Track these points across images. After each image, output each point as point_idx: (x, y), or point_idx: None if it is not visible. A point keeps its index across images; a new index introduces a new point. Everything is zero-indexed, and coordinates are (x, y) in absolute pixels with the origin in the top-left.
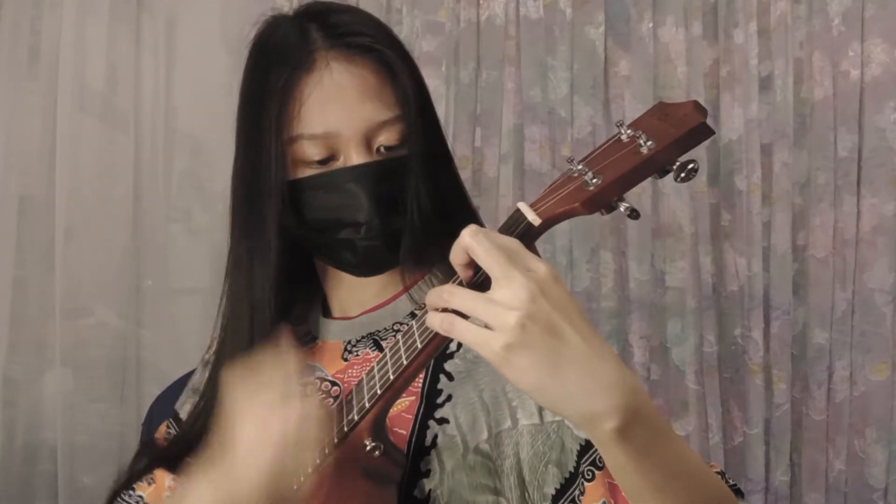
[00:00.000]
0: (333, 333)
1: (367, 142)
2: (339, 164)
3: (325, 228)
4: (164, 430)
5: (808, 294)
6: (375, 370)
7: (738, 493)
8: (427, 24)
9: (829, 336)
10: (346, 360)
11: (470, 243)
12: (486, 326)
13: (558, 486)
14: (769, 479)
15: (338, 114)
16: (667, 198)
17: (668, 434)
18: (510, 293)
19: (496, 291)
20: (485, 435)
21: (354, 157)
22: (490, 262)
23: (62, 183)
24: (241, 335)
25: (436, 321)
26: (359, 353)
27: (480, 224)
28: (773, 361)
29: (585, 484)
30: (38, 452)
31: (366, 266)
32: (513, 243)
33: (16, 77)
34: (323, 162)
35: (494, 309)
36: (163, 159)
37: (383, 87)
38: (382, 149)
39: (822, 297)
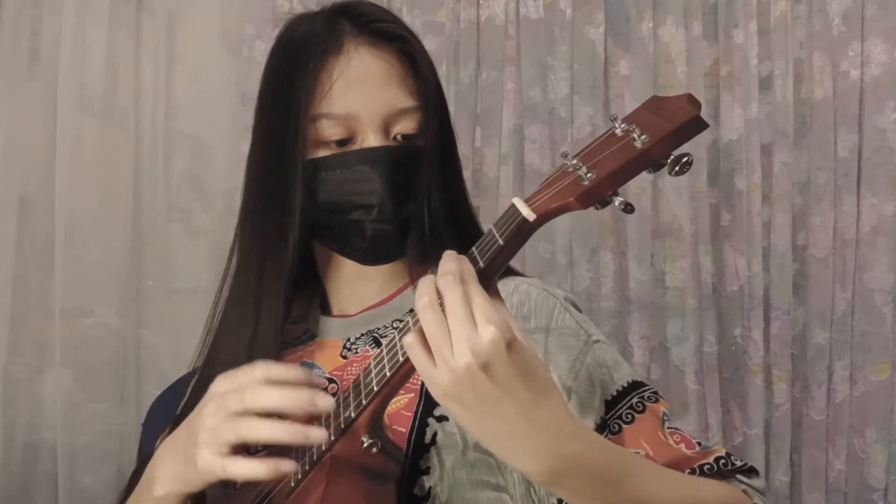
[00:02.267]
0: (332, 331)
1: (386, 127)
2: (356, 146)
3: (336, 210)
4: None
5: (808, 294)
6: (372, 367)
7: (751, 471)
8: (427, 24)
9: (829, 336)
10: (344, 357)
11: (421, 315)
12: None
13: None
14: (769, 479)
15: (361, 96)
16: (667, 198)
17: (624, 481)
18: (453, 363)
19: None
20: None
21: (372, 140)
22: (432, 338)
23: (62, 183)
24: (244, 325)
25: (407, 339)
26: (358, 350)
27: (478, 226)
28: (773, 361)
29: None
30: (38, 452)
31: (373, 251)
32: (475, 297)
33: (16, 77)
34: (340, 143)
35: (442, 353)
36: (163, 159)
37: (406, 76)
38: (399, 136)
39: (822, 297)
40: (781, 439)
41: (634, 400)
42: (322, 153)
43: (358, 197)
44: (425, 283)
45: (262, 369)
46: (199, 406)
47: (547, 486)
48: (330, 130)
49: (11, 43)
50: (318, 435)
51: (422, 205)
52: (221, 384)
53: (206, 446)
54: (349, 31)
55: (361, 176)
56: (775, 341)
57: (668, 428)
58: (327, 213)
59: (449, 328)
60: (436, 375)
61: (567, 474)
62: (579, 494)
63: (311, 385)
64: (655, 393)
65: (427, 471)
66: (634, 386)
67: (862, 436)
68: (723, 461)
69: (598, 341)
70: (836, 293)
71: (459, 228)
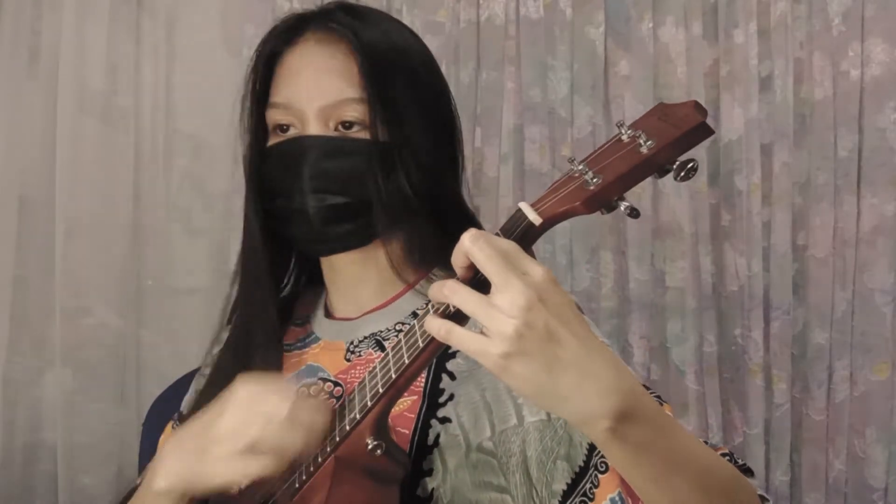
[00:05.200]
0: (336, 334)
1: (324, 117)
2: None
3: (273, 197)
4: (169, 432)
5: (808, 294)
6: (377, 369)
7: (748, 471)
8: (427, 24)
9: (829, 336)
10: (348, 360)
11: (470, 248)
12: (483, 332)
13: (569, 482)
14: (769, 479)
15: (300, 85)
16: (667, 198)
17: (667, 429)
18: (509, 300)
19: (495, 298)
20: (488, 433)
21: (311, 129)
22: (490, 269)
23: (62, 183)
24: (242, 324)
25: (434, 326)
26: (361, 353)
27: (478, 226)
28: (773, 361)
29: (599, 476)
30: (38, 452)
31: (306, 239)
32: (511, 247)
33: (16, 77)
34: (284, 131)
35: (493, 315)
36: (163, 159)
37: (351, 68)
38: (340, 127)
39: (822, 297)
40: (781, 439)
41: None
42: (272, 142)
43: (287, 184)
44: (436, 285)
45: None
46: (218, 408)
47: (614, 441)
48: (275, 118)
49: (11, 43)
50: None
51: (368, 199)
52: (248, 390)
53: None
54: (310, 27)
55: (285, 163)
56: (775, 341)
57: None
58: (268, 200)
59: (496, 282)
60: (495, 335)
61: (633, 415)
62: (639, 444)
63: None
64: (659, 397)
65: (430, 472)
66: None
67: (862, 436)
68: (727, 458)
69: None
70: (836, 293)
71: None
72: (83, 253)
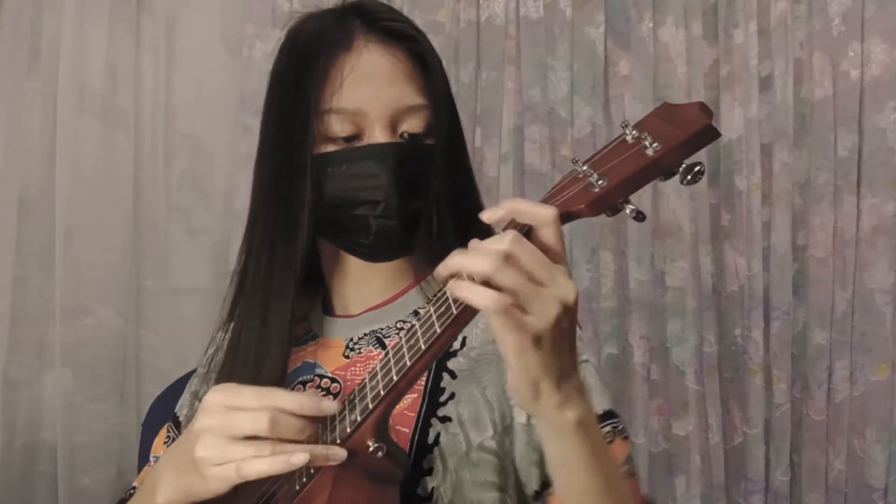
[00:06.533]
0: (335, 331)
1: (393, 124)
2: (363, 143)
3: (342, 205)
4: (164, 434)
5: (808, 294)
6: (378, 370)
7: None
8: (427, 24)
9: (829, 336)
10: (347, 357)
11: (513, 249)
12: (519, 306)
13: (537, 488)
14: (769, 479)
15: (369, 92)
16: (667, 198)
17: (606, 449)
18: (564, 284)
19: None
20: (489, 432)
21: (379, 136)
22: (524, 286)
23: (62, 183)
24: (254, 326)
25: (490, 297)
26: (361, 350)
27: (489, 230)
28: (773, 361)
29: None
30: (38, 452)
31: (377, 248)
32: (539, 256)
33: (16, 77)
34: (347, 140)
35: (556, 283)
36: (163, 159)
37: (415, 75)
38: (406, 134)
39: (822, 297)
40: (781, 439)
41: (606, 429)
42: (329, 148)
43: (363, 192)
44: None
45: (274, 398)
46: (197, 416)
47: (579, 431)
48: (338, 126)
49: (11, 43)
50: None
51: (430, 204)
52: (220, 397)
53: (210, 463)
54: (359, 29)
55: (367, 171)
56: (775, 341)
57: (626, 467)
58: (333, 208)
59: (542, 279)
60: (539, 316)
61: (589, 423)
62: (593, 446)
63: (319, 414)
64: (625, 429)
65: (430, 471)
66: (607, 415)
67: (862, 436)
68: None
69: (586, 361)
70: (836, 293)
71: (469, 230)
72: (83, 253)
